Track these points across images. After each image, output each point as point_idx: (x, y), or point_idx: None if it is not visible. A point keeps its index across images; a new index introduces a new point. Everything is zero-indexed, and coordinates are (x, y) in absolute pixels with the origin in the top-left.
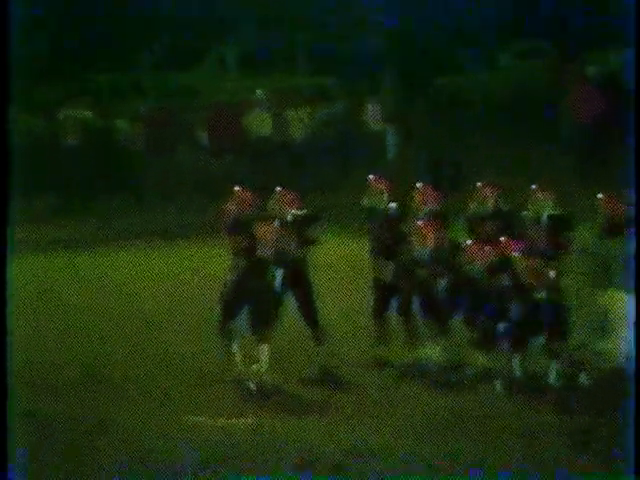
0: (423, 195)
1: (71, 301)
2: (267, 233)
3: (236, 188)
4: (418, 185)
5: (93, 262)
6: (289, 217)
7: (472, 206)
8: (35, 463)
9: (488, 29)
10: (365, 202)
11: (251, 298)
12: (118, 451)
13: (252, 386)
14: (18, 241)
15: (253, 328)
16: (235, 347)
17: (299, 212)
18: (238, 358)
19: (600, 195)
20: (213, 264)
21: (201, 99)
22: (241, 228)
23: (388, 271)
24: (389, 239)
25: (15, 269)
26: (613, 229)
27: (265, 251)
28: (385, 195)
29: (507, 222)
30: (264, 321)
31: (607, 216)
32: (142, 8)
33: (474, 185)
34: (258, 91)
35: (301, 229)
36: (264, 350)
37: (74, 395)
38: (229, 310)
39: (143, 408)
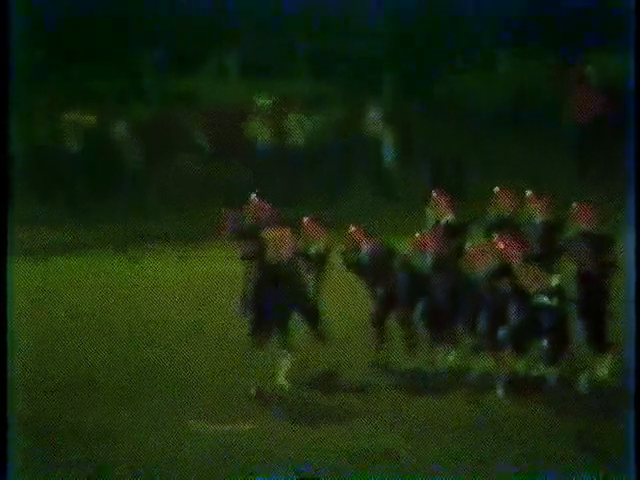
0: (444, 204)
1: (72, 306)
2: (279, 238)
3: (252, 196)
4: (434, 193)
5: (93, 267)
6: (312, 251)
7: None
8: (34, 469)
9: (488, 31)
10: (344, 252)
11: (293, 302)
12: (120, 457)
13: (252, 391)
14: (18, 246)
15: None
16: (285, 361)
17: (322, 249)
18: (283, 372)
19: (574, 204)
20: (213, 269)
21: (202, 104)
22: (249, 234)
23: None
24: (376, 278)
25: (15, 273)
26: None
27: (277, 256)
28: (362, 245)
29: (506, 228)
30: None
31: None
32: (143, 13)
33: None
34: (260, 99)
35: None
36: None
37: (75, 400)
38: (270, 321)
39: (145, 414)
